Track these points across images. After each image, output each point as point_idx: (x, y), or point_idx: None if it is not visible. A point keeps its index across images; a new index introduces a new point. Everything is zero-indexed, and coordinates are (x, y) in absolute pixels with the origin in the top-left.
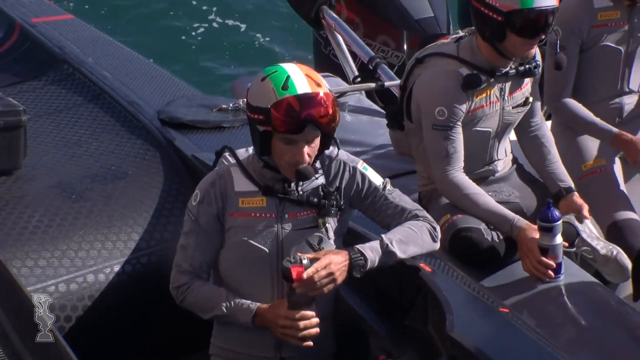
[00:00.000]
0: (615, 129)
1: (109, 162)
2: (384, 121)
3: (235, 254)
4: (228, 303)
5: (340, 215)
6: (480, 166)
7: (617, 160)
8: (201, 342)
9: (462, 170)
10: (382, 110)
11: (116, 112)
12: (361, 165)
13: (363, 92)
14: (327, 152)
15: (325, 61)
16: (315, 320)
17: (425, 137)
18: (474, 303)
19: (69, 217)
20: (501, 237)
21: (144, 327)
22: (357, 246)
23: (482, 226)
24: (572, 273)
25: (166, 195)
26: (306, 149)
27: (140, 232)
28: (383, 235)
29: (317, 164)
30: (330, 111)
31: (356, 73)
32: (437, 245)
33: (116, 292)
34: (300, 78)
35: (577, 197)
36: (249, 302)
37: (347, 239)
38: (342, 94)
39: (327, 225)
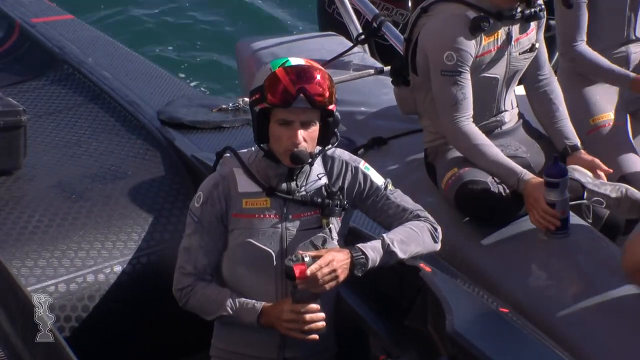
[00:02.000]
0: (632, 74)
1: (109, 162)
2: (388, 80)
3: (239, 255)
4: (233, 303)
5: (343, 216)
6: (487, 117)
7: (627, 116)
8: (201, 343)
9: (472, 120)
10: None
11: (116, 112)
12: (363, 165)
13: (367, 50)
14: (329, 152)
15: (329, 20)
16: (321, 314)
17: (433, 85)
18: (474, 303)
19: (68, 217)
20: (507, 191)
21: (144, 327)
22: (358, 245)
23: (489, 179)
24: (578, 229)
25: (166, 196)
26: (302, 132)
27: (139, 232)
28: (384, 235)
29: (320, 165)
30: (326, 91)
31: (360, 31)
32: (438, 246)
33: (116, 292)
34: (298, 60)
35: (584, 154)
36: (253, 301)
37: (348, 239)
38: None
39: (330, 225)
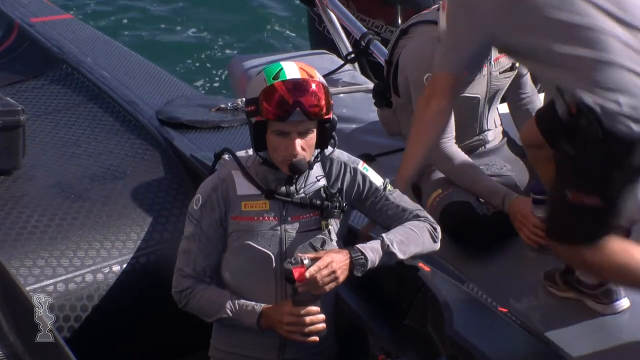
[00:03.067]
0: None
1: (108, 161)
2: None
3: (239, 258)
4: (232, 306)
5: (342, 217)
6: (470, 136)
7: None
8: (201, 343)
9: (454, 141)
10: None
11: (115, 111)
12: (362, 166)
13: (357, 68)
14: (327, 153)
15: (320, 38)
16: (321, 316)
17: (415, 107)
18: (474, 303)
19: (67, 217)
20: (492, 211)
21: (143, 327)
22: (357, 246)
23: (473, 200)
24: None
25: (165, 195)
26: (299, 142)
27: (138, 232)
28: (384, 236)
29: (319, 166)
30: (322, 101)
31: (349, 50)
32: (438, 246)
33: (115, 292)
34: (293, 68)
35: None
36: (253, 303)
37: (348, 239)
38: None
39: (329, 227)
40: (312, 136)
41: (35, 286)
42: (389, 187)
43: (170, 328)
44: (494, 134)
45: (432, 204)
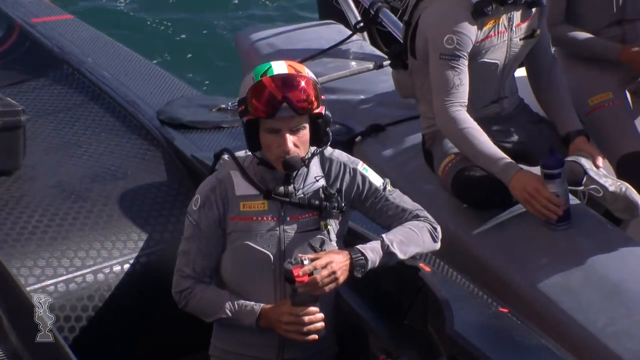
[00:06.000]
0: (619, 45)
1: (109, 162)
2: (387, 68)
3: (238, 258)
4: (232, 306)
5: (341, 217)
6: (487, 102)
7: (626, 94)
8: (201, 342)
9: (465, 108)
10: (385, 56)
11: (115, 112)
12: (361, 167)
13: (366, 38)
14: (326, 154)
15: (328, 8)
16: (320, 315)
17: (431, 69)
18: (474, 303)
19: (68, 217)
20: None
21: (144, 327)
22: (357, 246)
23: None
24: (581, 213)
25: (165, 196)
26: (291, 138)
27: (139, 232)
28: (384, 236)
29: (318, 167)
30: (311, 96)
31: (358, 18)
32: (438, 246)
33: (115, 292)
34: (281, 65)
35: (586, 143)
36: (252, 303)
37: (348, 240)
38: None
39: (328, 227)
40: (305, 132)
41: (36, 286)
42: (388, 187)
43: (171, 328)
44: (510, 101)
45: (445, 169)
